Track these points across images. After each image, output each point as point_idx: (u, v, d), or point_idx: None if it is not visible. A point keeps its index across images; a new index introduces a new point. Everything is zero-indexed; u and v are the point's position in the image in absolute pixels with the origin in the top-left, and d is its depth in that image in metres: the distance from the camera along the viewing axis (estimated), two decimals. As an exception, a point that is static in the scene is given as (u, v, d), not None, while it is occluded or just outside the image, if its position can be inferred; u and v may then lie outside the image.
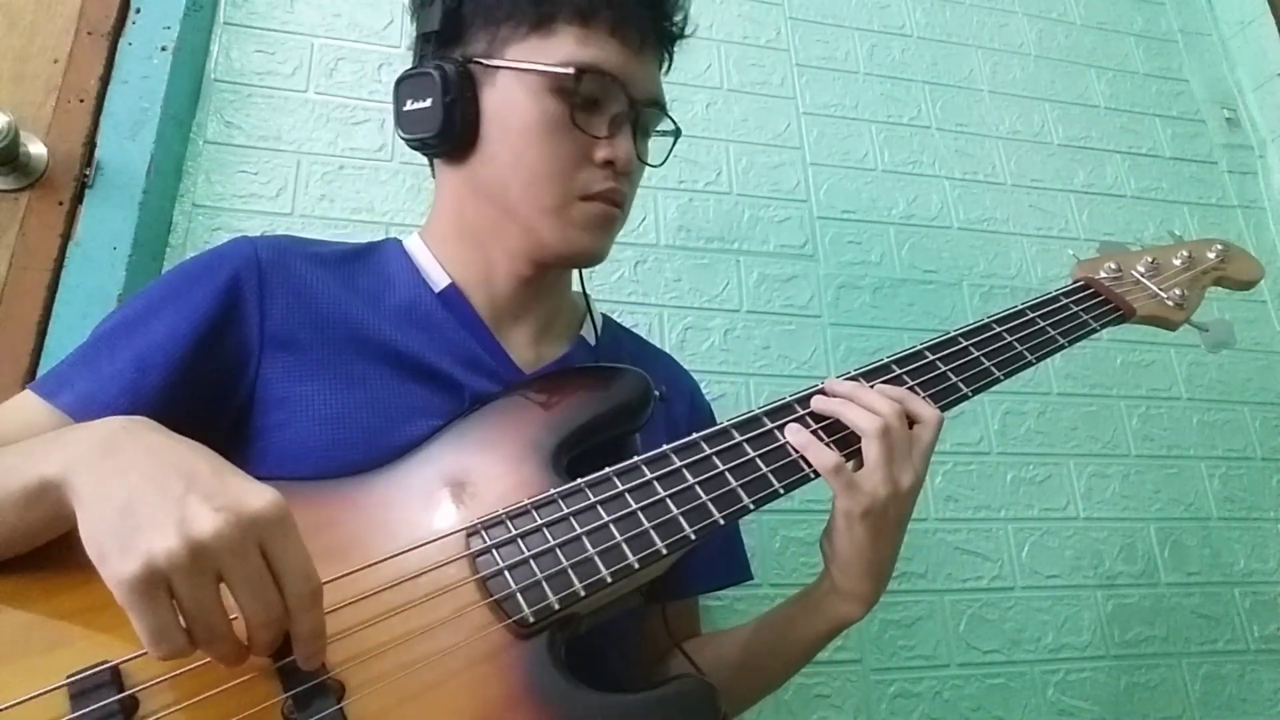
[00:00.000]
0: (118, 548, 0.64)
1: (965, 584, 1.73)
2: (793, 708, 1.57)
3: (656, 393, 1.04)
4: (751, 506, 0.93)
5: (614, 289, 1.73)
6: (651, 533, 0.88)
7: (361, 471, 0.92)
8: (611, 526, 0.88)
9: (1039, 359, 1.13)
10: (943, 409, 1.03)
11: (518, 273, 1.11)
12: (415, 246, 1.16)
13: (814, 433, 0.99)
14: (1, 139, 1.36)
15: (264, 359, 0.98)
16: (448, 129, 1.07)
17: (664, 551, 0.87)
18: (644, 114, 1.10)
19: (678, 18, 1.15)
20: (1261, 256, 1.44)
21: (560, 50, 1.04)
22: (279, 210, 1.62)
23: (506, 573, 0.83)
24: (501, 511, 0.87)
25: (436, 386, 1.02)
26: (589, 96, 1.04)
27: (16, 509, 0.74)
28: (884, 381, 1.04)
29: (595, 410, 1.01)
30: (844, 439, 0.99)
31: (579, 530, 0.87)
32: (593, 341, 1.22)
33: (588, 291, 1.24)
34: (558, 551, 0.85)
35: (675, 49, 1.19)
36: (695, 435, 0.97)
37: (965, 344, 1.11)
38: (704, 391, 1.38)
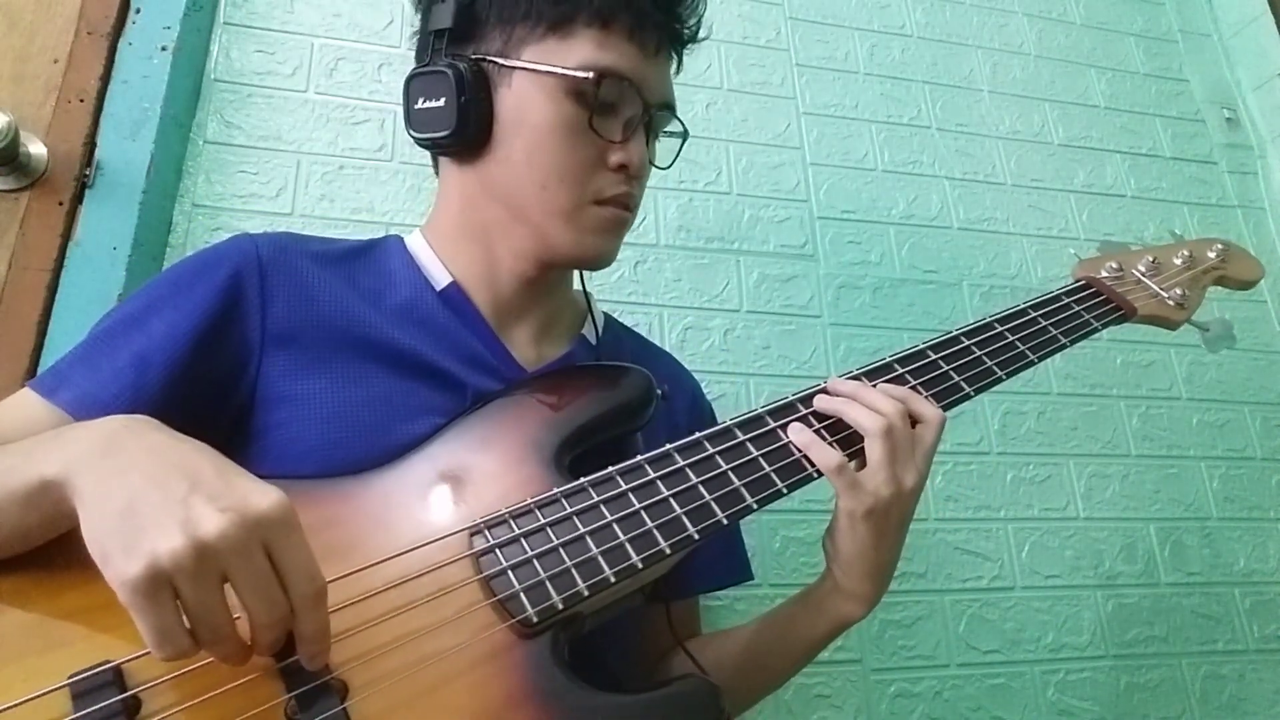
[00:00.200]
0: (121, 548, 0.63)
1: (965, 584, 1.72)
2: (793, 708, 1.57)
3: (659, 391, 1.04)
4: (755, 506, 0.93)
5: (614, 289, 1.73)
6: (655, 532, 0.88)
7: (363, 470, 0.92)
8: (615, 526, 0.88)
9: (1041, 358, 1.13)
10: (945, 408, 1.03)
11: (522, 273, 1.11)
12: (417, 244, 1.15)
13: (817, 432, 0.99)
14: (1, 139, 1.36)
15: (265, 357, 0.98)
16: (462, 129, 1.06)
17: (667, 551, 0.87)
18: (656, 117, 1.10)
19: (693, 22, 1.15)
20: (1261, 256, 1.44)
21: (578, 53, 1.03)
22: (279, 210, 1.62)
23: (510, 572, 0.83)
24: (504, 511, 0.87)
25: (438, 385, 1.02)
26: (606, 100, 1.04)
27: (17, 509, 0.74)
28: (887, 381, 1.04)
29: (598, 409, 1.00)
30: (847, 438, 0.99)
31: (582, 530, 0.87)
32: (594, 340, 1.21)
33: (588, 291, 1.24)
34: (561, 551, 0.85)
35: (687, 52, 1.18)
36: (698, 434, 0.97)
37: (967, 343, 1.11)
38: (704, 391, 1.38)
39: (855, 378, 1.05)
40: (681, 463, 0.94)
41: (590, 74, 1.02)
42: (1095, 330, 1.20)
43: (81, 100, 1.51)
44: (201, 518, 0.64)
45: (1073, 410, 1.93)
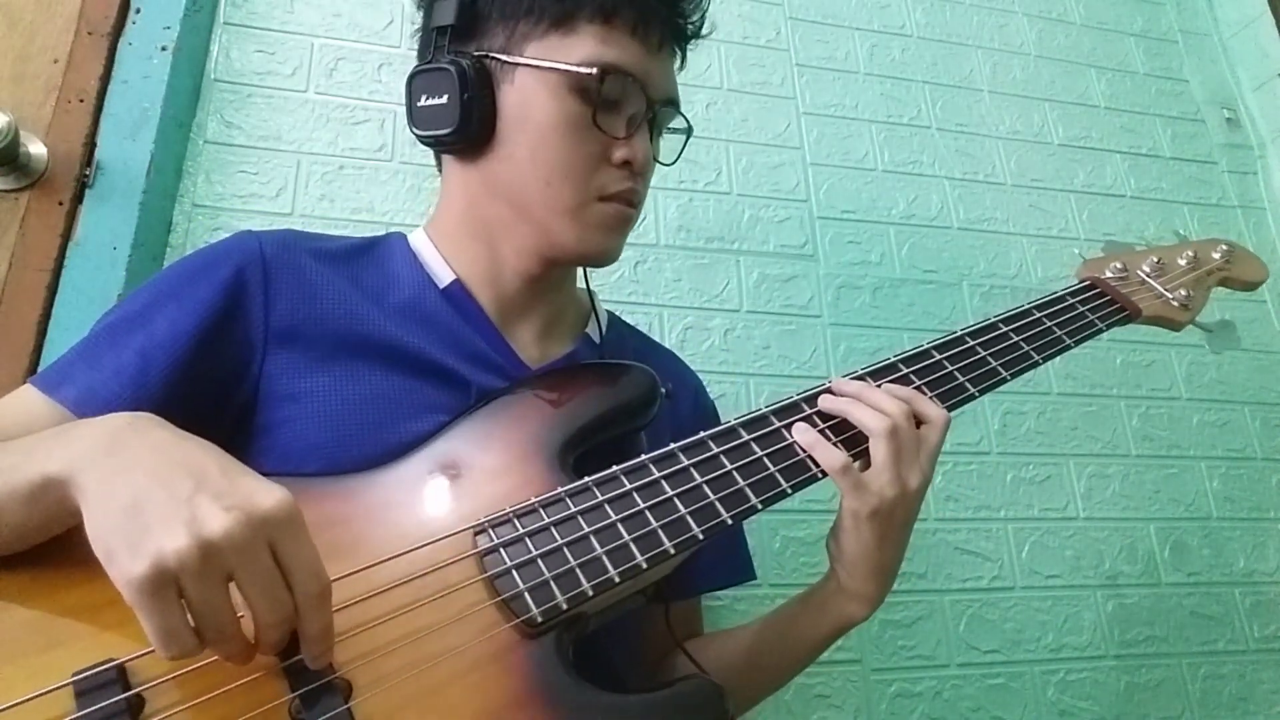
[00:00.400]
0: (126, 547, 0.63)
1: (965, 584, 1.73)
2: (793, 708, 1.57)
3: (663, 390, 1.04)
4: (760, 506, 0.93)
5: (614, 289, 1.73)
6: (659, 532, 0.88)
7: (367, 468, 0.92)
8: (619, 525, 0.87)
9: (1045, 359, 1.13)
10: (950, 409, 1.03)
11: (526, 270, 1.11)
12: (420, 242, 1.15)
13: (821, 432, 0.99)
14: (1, 139, 1.36)
15: (268, 354, 0.98)
16: (465, 126, 1.05)
17: (672, 551, 0.87)
18: (660, 113, 1.10)
19: (696, 17, 1.14)
20: (1261, 256, 1.44)
21: (582, 49, 1.03)
22: (279, 210, 1.62)
23: (514, 572, 0.83)
24: (509, 510, 0.87)
25: (442, 383, 1.02)
26: (610, 97, 1.04)
27: (19, 506, 0.74)
28: (891, 381, 1.04)
29: (602, 407, 1.00)
30: (851, 439, 0.99)
31: (586, 529, 0.87)
32: (598, 339, 1.21)
33: (592, 289, 1.23)
34: (565, 551, 0.85)
35: (690, 48, 1.18)
36: (703, 434, 0.97)
37: (972, 344, 1.11)
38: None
39: (860, 378, 1.05)
40: (686, 462, 0.94)
41: (594, 70, 1.02)
42: (1100, 331, 1.20)
43: (81, 100, 1.51)
44: (207, 516, 0.64)
45: (1073, 410, 1.93)
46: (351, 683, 0.74)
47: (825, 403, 1.01)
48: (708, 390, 1.37)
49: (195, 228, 1.57)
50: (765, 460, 0.96)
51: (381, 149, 1.72)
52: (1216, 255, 1.34)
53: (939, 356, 1.09)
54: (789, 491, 0.95)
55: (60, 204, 1.44)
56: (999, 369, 1.09)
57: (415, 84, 1.10)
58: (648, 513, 0.89)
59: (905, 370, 1.06)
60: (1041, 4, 2.37)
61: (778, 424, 0.99)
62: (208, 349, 0.95)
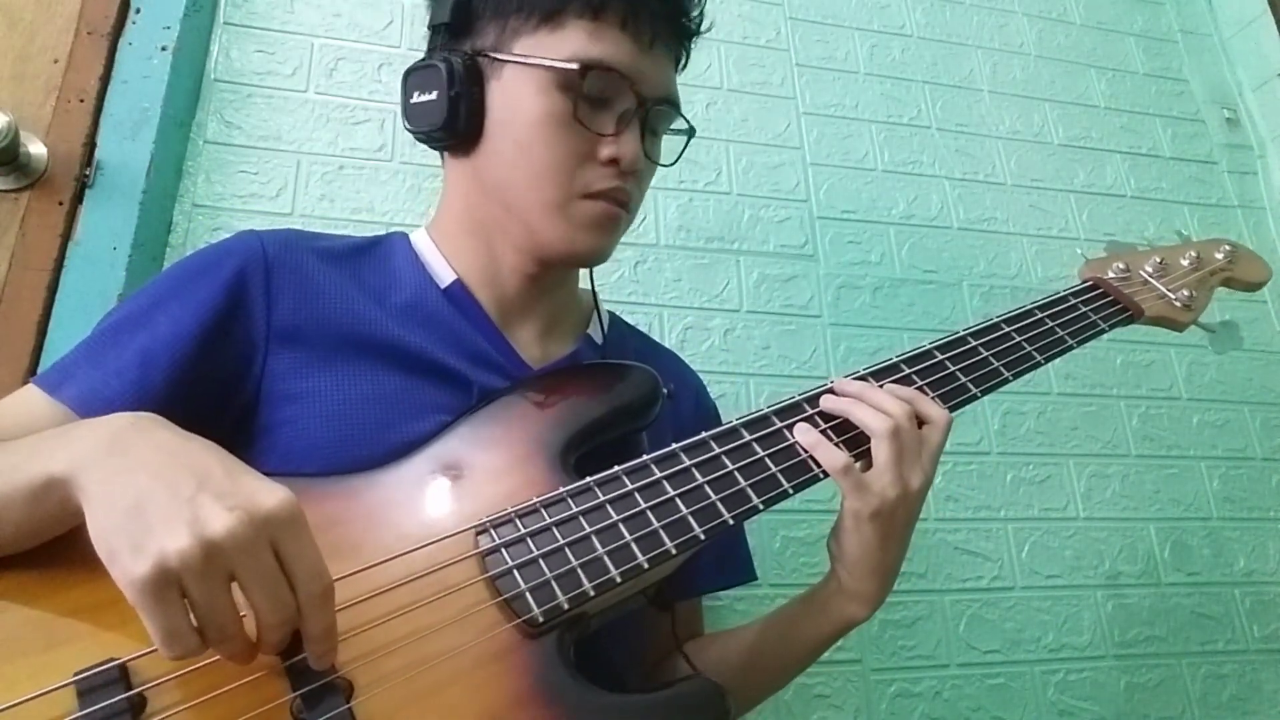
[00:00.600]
0: (129, 547, 0.63)
1: (965, 584, 1.73)
2: (793, 708, 1.57)
3: (665, 390, 1.04)
4: (761, 507, 0.93)
5: (614, 289, 1.73)
6: (661, 532, 0.88)
7: (369, 468, 0.91)
8: (621, 526, 0.87)
9: (1048, 359, 1.13)
10: (952, 409, 1.03)
11: (523, 270, 1.11)
12: (421, 242, 1.15)
13: (823, 432, 0.99)
14: (1, 139, 1.36)
15: (270, 354, 0.98)
16: (451, 122, 1.06)
17: (673, 551, 0.87)
18: (654, 112, 1.08)
19: (693, 13, 1.13)
20: (1262, 256, 1.44)
21: (569, 45, 1.02)
22: (279, 210, 1.62)
23: (515, 572, 0.83)
24: (510, 510, 0.87)
25: (444, 383, 1.01)
26: (596, 93, 1.03)
27: (22, 506, 0.73)
28: (893, 381, 1.04)
29: (604, 407, 1.00)
30: (853, 439, 0.99)
31: (588, 529, 0.87)
32: (599, 339, 1.21)
33: (595, 289, 1.23)
34: (567, 551, 0.85)
35: (690, 46, 1.16)
36: (704, 434, 0.97)
37: (974, 344, 1.11)
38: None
39: (862, 378, 1.04)
40: (688, 462, 0.94)
41: (575, 65, 1.01)
42: (1102, 331, 1.20)
43: (81, 100, 1.51)
44: (209, 516, 0.64)
45: (1073, 410, 1.93)
46: (353, 682, 0.74)
47: (827, 403, 1.01)
48: (708, 390, 1.37)
49: (195, 228, 1.57)
50: (767, 460, 0.96)
51: (381, 149, 1.72)
52: (1219, 256, 1.34)
53: (941, 357, 1.09)
54: (790, 492, 0.95)
55: (60, 204, 1.44)
56: (1001, 369, 1.09)
57: (409, 81, 1.11)
58: (649, 513, 0.89)
59: (907, 370, 1.06)
60: (1041, 4, 2.38)
61: (779, 424, 0.99)
62: (210, 348, 0.95)
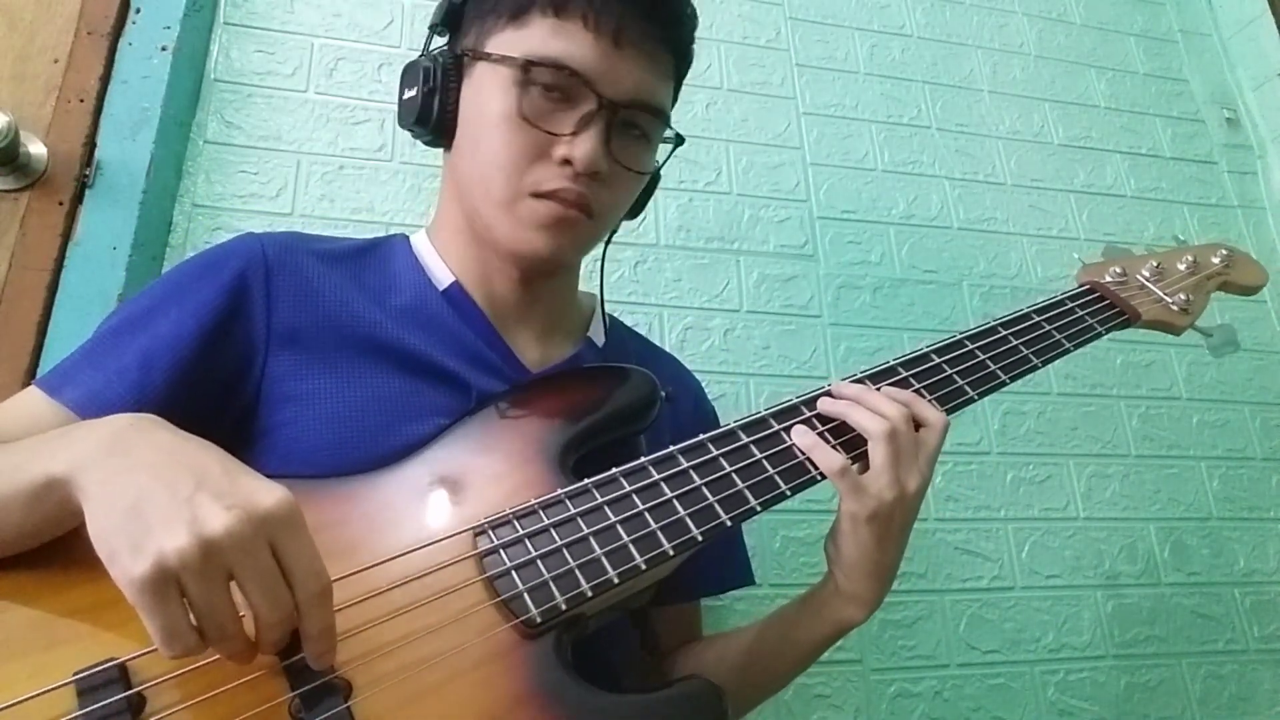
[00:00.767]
0: (128, 547, 0.63)
1: (965, 584, 1.73)
2: (793, 708, 1.57)
3: (663, 393, 1.04)
4: (759, 508, 0.93)
5: (614, 289, 1.73)
6: (659, 534, 0.88)
7: (368, 470, 0.92)
8: (619, 527, 0.88)
9: (1045, 363, 1.13)
10: (949, 412, 1.03)
11: (509, 272, 1.11)
12: (421, 244, 1.16)
13: (820, 434, 0.99)
14: (1, 139, 1.36)
15: (270, 356, 0.98)
16: (424, 118, 1.07)
17: (671, 553, 0.87)
18: (622, 114, 1.04)
19: (664, 13, 1.08)
20: (1261, 257, 1.44)
21: (529, 42, 1.02)
22: (279, 210, 1.62)
23: (513, 573, 0.83)
24: (509, 511, 0.87)
25: (443, 385, 1.02)
26: (550, 91, 1.01)
27: (22, 506, 0.74)
28: (890, 384, 1.04)
29: (603, 410, 1.01)
30: (850, 441, 0.99)
31: (586, 531, 0.87)
32: (600, 342, 1.22)
33: (603, 291, 1.23)
34: (565, 552, 0.85)
35: (683, 47, 1.13)
36: (702, 436, 0.97)
37: (971, 347, 1.11)
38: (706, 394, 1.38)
39: (859, 381, 1.05)
40: (685, 464, 0.94)
41: (519, 60, 1.01)
42: (1099, 335, 1.20)
43: (81, 100, 1.51)
44: (208, 516, 0.64)
45: (1073, 410, 1.93)
46: (351, 682, 0.74)
47: (824, 405, 1.01)
48: (707, 391, 1.37)
49: (195, 228, 1.57)
50: (764, 462, 0.96)
51: (381, 149, 1.72)
52: (1216, 260, 1.34)
53: (938, 360, 1.09)
54: (788, 494, 0.95)
55: (60, 204, 1.44)
56: (998, 372, 1.10)
57: (402, 80, 1.13)
58: (647, 514, 0.89)
59: (904, 373, 1.06)
60: (1041, 4, 2.38)
61: (777, 426, 0.99)
62: (210, 350, 0.95)
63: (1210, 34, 2.52)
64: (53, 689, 0.67)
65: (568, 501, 0.89)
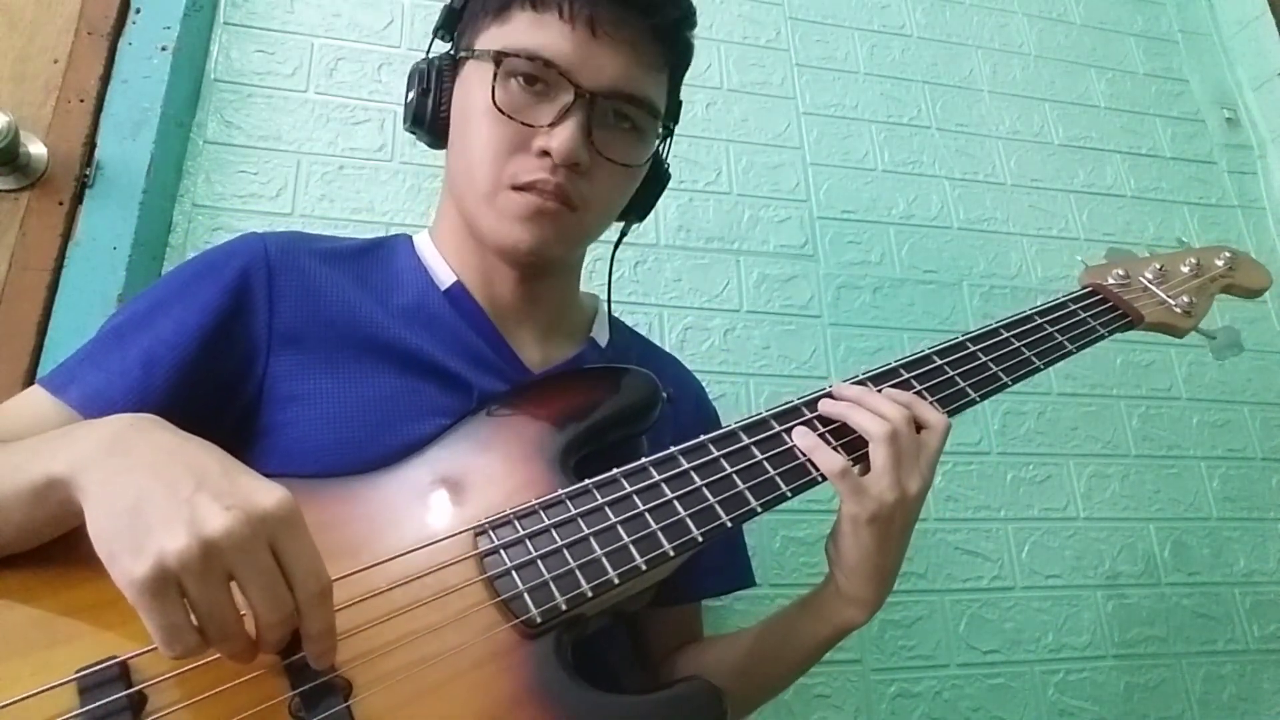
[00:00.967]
0: (128, 548, 0.63)
1: (965, 584, 1.73)
2: (793, 708, 1.57)
3: (664, 394, 1.04)
4: (759, 509, 0.93)
5: (614, 289, 1.72)
6: (659, 534, 0.88)
7: (369, 470, 0.92)
8: (619, 528, 0.88)
9: (1047, 365, 1.13)
10: (950, 414, 1.03)
11: (506, 271, 1.11)
12: (423, 244, 1.16)
13: (821, 436, 0.98)
14: (1, 139, 1.36)
15: (272, 356, 0.98)
16: (420, 119, 1.09)
17: (671, 553, 0.87)
18: (603, 105, 1.03)
19: (640, 1, 1.05)
20: (1261, 257, 1.44)
21: (509, 36, 1.02)
22: (279, 210, 1.62)
23: (514, 573, 0.83)
24: (509, 511, 0.87)
25: (445, 385, 1.02)
26: (533, 84, 1.02)
27: (23, 506, 0.74)
28: (892, 385, 1.04)
29: (603, 411, 1.01)
30: (851, 443, 0.98)
31: (586, 531, 0.87)
32: (603, 343, 1.21)
33: (610, 291, 1.24)
34: (565, 552, 0.85)
35: (671, 34, 1.10)
36: (703, 437, 0.97)
37: (973, 349, 1.11)
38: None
39: (860, 382, 1.04)
40: (686, 465, 0.94)
41: (490, 52, 1.02)
42: (1102, 337, 1.20)
43: (81, 100, 1.51)
44: (207, 516, 0.64)
45: (1073, 410, 1.93)
46: (351, 682, 0.74)
47: (825, 407, 1.01)
48: (708, 391, 1.37)
49: (195, 228, 1.57)
50: (765, 464, 0.96)
51: (381, 149, 1.72)
52: (1220, 262, 1.34)
53: (940, 362, 1.09)
54: (788, 495, 0.95)
55: (60, 204, 1.44)
56: (1000, 374, 1.09)
57: (406, 84, 1.13)
58: (647, 515, 0.89)
59: (906, 375, 1.06)
60: (1041, 4, 2.38)
61: (778, 428, 0.99)
62: (212, 350, 0.95)
63: (1210, 34, 2.52)
64: (54, 686, 0.68)
65: (568, 502, 0.89)
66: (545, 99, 1.02)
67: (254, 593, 0.66)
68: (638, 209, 1.19)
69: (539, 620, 0.81)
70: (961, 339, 1.12)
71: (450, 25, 1.13)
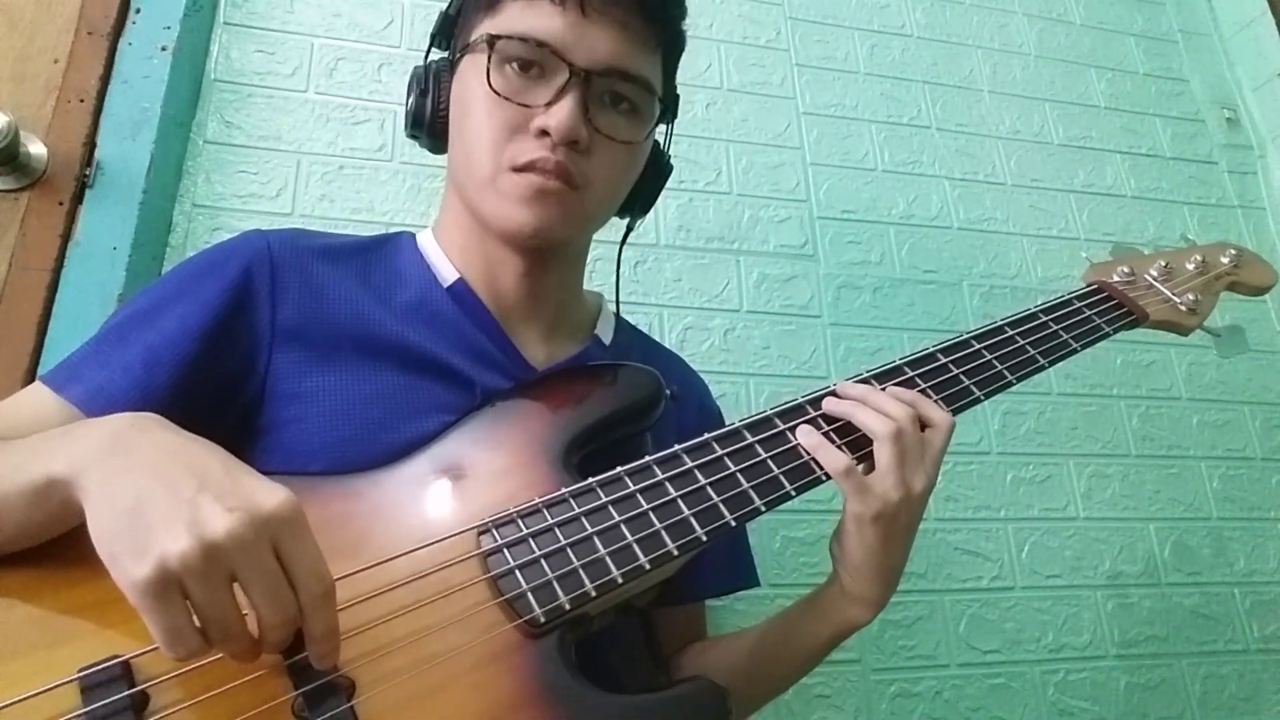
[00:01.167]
0: (130, 549, 0.63)
1: (965, 584, 1.73)
2: (793, 708, 1.57)
3: (668, 391, 1.04)
4: (763, 508, 0.92)
5: (613, 288, 1.72)
6: (663, 533, 0.88)
7: (372, 467, 0.91)
8: (623, 527, 0.87)
9: (1052, 363, 1.13)
10: (955, 412, 1.03)
11: (512, 263, 1.10)
12: (426, 241, 1.16)
13: (825, 434, 0.98)
14: (1, 139, 1.36)
15: (275, 353, 0.98)
16: (419, 120, 1.11)
17: (675, 553, 0.87)
18: (598, 82, 1.04)
19: None
20: (1262, 258, 1.44)
21: (503, 23, 1.03)
22: (279, 210, 1.62)
23: (517, 572, 0.83)
24: (513, 510, 0.87)
25: (448, 382, 1.01)
26: (528, 68, 1.02)
27: (24, 505, 0.74)
28: (896, 384, 1.04)
29: (607, 408, 1.00)
30: (855, 441, 0.98)
31: (590, 530, 0.86)
32: (607, 340, 1.21)
33: (619, 288, 1.24)
34: (569, 551, 0.85)
35: (665, 13, 1.10)
36: (707, 435, 0.97)
37: (978, 346, 1.11)
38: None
39: (864, 381, 1.04)
40: (690, 464, 0.94)
41: (484, 37, 1.03)
42: (1106, 335, 1.19)
43: (81, 100, 1.51)
44: (209, 517, 0.64)
45: (1073, 410, 1.93)
46: (354, 681, 0.74)
47: (829, 405, 1.01)
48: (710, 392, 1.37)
49: (195, 228, 1.57)
50: (769, 462, 0.95)
51: (381, 149, 1.72)
52: (1225, 260, 1.34)
53: (944, 360, 1.08)
54: (792, 494, 0.95)
55: (60, 204, 1.44)
56: (1004, 372, 1.09)
57: (407, 89, 1.14)
58: (651, 514, 0.89)
59: (910, 373, 1.06)
60: (1041, 4, 2.38)
61: (782, 426, 0.99)
62: (215, 347, 0.95)
63: (1210, 34, 2.52)
64: (56, 686, 0.67)
65: (572, 500, 0.89)
66: (541, 81, 1.03)
67: (256, 594, 0.66)
68: (640, 203, 1.19)
69: (542, 620, 0.80)
70: (966, 337, 1.12)
71: (447, 31, 1.14)
